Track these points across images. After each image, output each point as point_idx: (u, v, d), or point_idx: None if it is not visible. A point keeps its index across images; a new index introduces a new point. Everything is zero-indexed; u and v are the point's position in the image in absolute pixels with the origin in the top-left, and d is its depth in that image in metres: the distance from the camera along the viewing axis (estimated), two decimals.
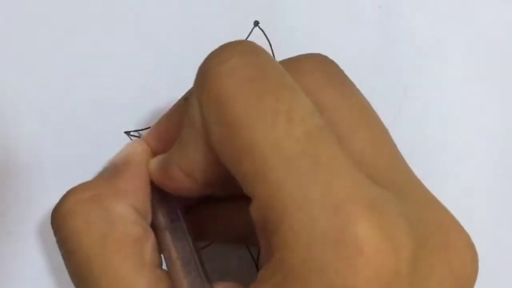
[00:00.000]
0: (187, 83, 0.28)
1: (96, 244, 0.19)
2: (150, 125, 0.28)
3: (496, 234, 0.29)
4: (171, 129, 0.23)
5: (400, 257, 0.15)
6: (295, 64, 0.20)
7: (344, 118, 0.19)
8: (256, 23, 0.28)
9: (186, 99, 0.22)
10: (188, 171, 0.20)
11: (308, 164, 0.16)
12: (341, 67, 0.28)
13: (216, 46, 0.28)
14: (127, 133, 0.28)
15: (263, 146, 0.16)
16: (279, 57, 0.28)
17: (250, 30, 0.28)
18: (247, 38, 0.28)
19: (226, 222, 0.24)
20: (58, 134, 0.28)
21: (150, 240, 0.20)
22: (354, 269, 0.15)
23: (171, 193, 0.21)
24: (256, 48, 0.19)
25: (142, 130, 0.28)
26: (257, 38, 0.28)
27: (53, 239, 0.27)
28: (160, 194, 0.22)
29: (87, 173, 0.28)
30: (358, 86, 0.28)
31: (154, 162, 0.22)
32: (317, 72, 0.20)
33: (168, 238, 0.21)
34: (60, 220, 0.20)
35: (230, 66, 0.18)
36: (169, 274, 0.20)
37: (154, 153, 0.23)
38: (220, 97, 0.17)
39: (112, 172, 0.22)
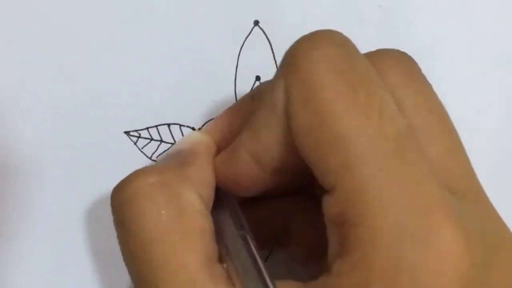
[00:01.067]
0: (187, 82, 0.28)
1: (162, 229, 0.18)
2: (150, 125, 0.28)
3: None
4: (234, 125, 0.22)
5: (477, 267, 0.16)
6: (376, 58, 0.19)
7: (424, 121, 0.19)
8: (256, 23, 0.28)
9: (252, 96, 0.22)
10: (257, 157, 0.19)
11: (398, 164, 0.16)
12: None
13: (215, 46, 0.28)
14: (127, 133, 0.28)
15: (354, 139, 0.16)
16: (279, 56, 0.28)
17: (250, 30, 0.28)
18: (247, 38, 0.28)
19: (261, 221, 0.23)
20: (58, 134, 0.28)
21: (212, 233, 0.20)
22: (442, 271, 0.15)
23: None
24: (347, 40, 0.18)
25: (142, 130, 0.28)
26: (257, 38, 0.28)
27: (53, 239, 0.28)
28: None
29: (87, 173, 0.28)
30: None
31: (218, 158, 0.21)
32: (397, 69, 0.19)
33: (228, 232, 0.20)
34: (125, 199, 0.19)
35: (323, 53, 0.17)
36: (227, 269, 0.19)
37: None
38: (312, 83, 0.17)
39: (180, 160, 0.21)
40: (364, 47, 0.28)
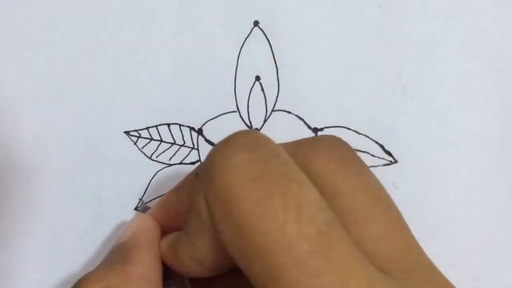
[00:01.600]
0: (187, 82, 0.28)
1: None
2: (149, 125, 0.28)
3: (496, 233, 0.29)
4: (180, 203, 0.22)
5: None
6: (309, 146, 0.19)
7: (360, 202, 0.19)
8: (256, 23, 0.28)
9: (196, 174, 0.22)
10: (196, 259, 0.20)
11: (321, 265, 0.16)
12: (341, 67, 0.29)
13: (215, 46, 0.28)
14: (127, 133, 0.28)
15: (274, 248, 0.16)
16: (279, 57, 0.29)
17: (250, 30, 0.28)
18: (247, 38, 0.28)
19: None
20: (58, 134, 0.28)
21: None
22: None
23: None
24: (260, 140, 0.18)
25: (141, 130, 0.28)
26: (257, 38, 0.28)
27: (53, 239, 0.28)
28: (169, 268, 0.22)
29: (87, 173, 0.28)
30: (358, 86, 0.28)
31: (165, 243, 0.22)
32: (331, 155, 0.19)
33: None
34: None
35: (234, 163, 0.17)
36: None
37: (162, 228, 0.23)
38: (227, 196, 0.17)
39: (122, 257, 0.22)
40: (364, 47, 0.29)
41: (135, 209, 0.28)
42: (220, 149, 0.18)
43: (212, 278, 0.21)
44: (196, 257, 0.20)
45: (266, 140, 0.18)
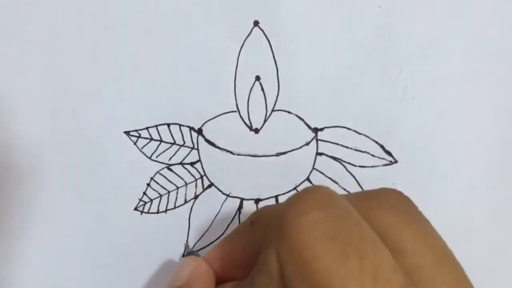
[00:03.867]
0: (187, 82, 0.28)
1: None
2: (149, 125, 0.28)
3: (496, 233, 0.29)
4: (236, 252, 0.22)
5: None
6: (371, 199, 0.19)
7: (426, 260, 0.19)
8: (256, 23, 0.28)
9: (251, 223, 0.22)
10: None
11: None
12: (341, 67, 0.29)
13: (215, 46, 0.28)
14: (127, 133, 0.28)
15: None
16: (279, 57, 0.29)
17: (250, 30, 0.28)
18: (247, 38, 0.28)
19: None
20: (58, 134, 0.28)
21: None
22: None
23: None
24: (332, 197, 0.19)
25: (141, 130, 0.28)
26: (257, 38, 0.28)
27: (53, 239, 0.28)
28: None
29: (87, 173, 0.28)
30: (358, 86, 0.28)
31: None
32: (396, 210, 0.19)
33: None
34: None
35: (310, 220, 0.18)
36: None
37: (216, 275, 0.23)
38: (303, 254, 0.17)
39: None
40: (364, 47, 0.29)
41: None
42: (294, 205, 0.18)
43: None
44: None
45: (337, 196, 0.19)
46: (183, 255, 0.28)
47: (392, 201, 0.20)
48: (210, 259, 0.23)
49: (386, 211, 0.19)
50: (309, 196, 0.18)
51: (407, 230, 0.19)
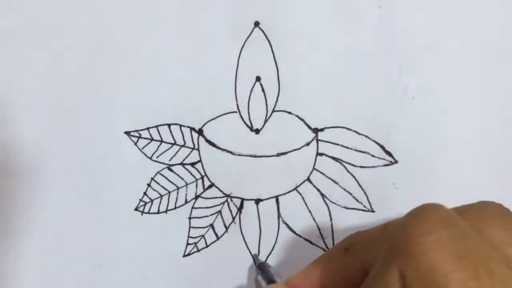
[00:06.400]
0: (187, 82, 0.28)
1: None
2: (150, 126, 0.28)
3: None
4: (325, 279, 0.22)
5: None
6: (476, 214, 0.19)
7: None
8: (256, 23, 0.28)
9: (346, 250, 0.22)
10: None
11: None
12: (341, 67, 0.29)
13: (215, 47, 0.28)
14: (128, 133, 0.28)
15: None
16: (280, 57, 0.29)
17: (251, 31, 0.28)
18: (247, 38, 0.28)
19: None
20: (59, 134, 0.28)
21: None
22: None
23: None
24: (450, 214, 0.18)
25: (142, 130, 0.28)
26: (257, 38, 0.28)
27: (53, 239, 0.28)
28: None
29: (87, 173, 0.28)
30: (358, 86, 0.29)
31: None
32: (503, 224, 0.19)
33: None
34: None
35: (436, 239, 0.17)
36: None
37: None
38: (432, 273, 0.17)
39: None
40: (364, 47, 0.29)
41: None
42: (415, 224, 0.18)
43: None
44: None
45: (455, 215, 0.19)
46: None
47: (496, 215, 0.20)
48: (297, 285, 0.23)
49: (493, 226, 0.19)
50: (430, 215, 0.18)
51: None
